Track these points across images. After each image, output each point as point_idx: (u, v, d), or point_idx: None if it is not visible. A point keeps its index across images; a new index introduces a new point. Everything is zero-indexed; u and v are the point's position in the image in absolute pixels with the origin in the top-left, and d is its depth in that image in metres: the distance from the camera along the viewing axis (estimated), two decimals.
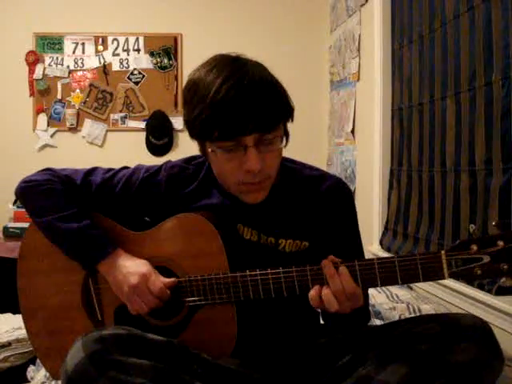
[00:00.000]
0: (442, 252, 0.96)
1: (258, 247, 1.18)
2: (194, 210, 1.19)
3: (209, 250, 1.13)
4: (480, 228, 1.77)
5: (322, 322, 1.28)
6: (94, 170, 1.29)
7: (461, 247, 0.96)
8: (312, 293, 1.03)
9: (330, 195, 1.20)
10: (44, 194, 1.23)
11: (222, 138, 1.04)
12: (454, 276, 0.97)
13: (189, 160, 1.27)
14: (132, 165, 1.31)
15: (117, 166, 1.31)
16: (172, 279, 1.15)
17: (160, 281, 1.14)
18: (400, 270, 0.98)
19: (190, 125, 1.09)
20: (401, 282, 0.99)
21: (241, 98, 1.01)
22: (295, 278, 1.05)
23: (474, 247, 0.95)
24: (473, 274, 0.95)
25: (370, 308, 1.79)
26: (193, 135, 1.12)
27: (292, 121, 1.13)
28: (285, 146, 1.12)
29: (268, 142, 1.07)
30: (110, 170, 1.29)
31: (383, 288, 2.06)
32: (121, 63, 3.69)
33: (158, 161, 1.29)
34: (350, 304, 1.02)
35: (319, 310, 1.20)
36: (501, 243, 0.93)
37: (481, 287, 1.64)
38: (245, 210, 1.19)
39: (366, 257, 1.12)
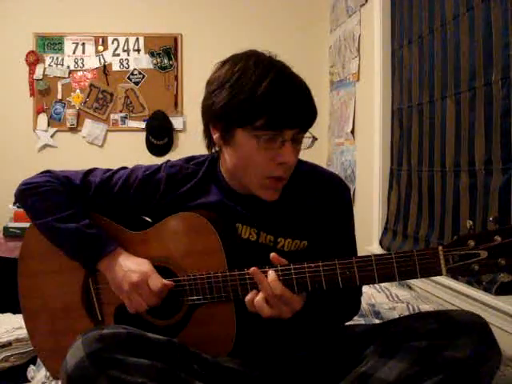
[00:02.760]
0: (440, 248, 0.96)
1: (255, 247, 1.18)
2: (191, 208, 1.18)
3: (207, 249, 1.13)
4: (479, 228, 1.77)
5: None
6: (92, 170, 1.29)
7: (458, 243, 0.96)
8: (248, 297, 1.06)
9: (327, 191, 1.22)
10: (43, 195, 1.24)
11: (268, 128, 1.06)
12: (452, 272, 0.96)
13: (188, 160, 1.27)
14: (132, 165, 1.31)
15: (117, 166, 1.31)
16: (170, 282, 1.14)
17: (160, 279, 1.14)
18: (398, 267, 0.98)
19: (229, 108, 1.08)
20: (399, 278, 0.99)
21: (292, 94, 1.08)
22: (293, 276, 1.05)
23: (472, 243, 0.95)
24: (470, 269, 0.95)
25: (370, 308, 1.80)
26: (226, 119, 1.09)
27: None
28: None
29: (299, 140, 1.12)
30: (108, 170, 1.29)
31: (383, 288, 2.06)
32: (121, 63, 3.69)
33: (157, 161, 1.29)
34: (287, 308, 1.03)
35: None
36: (498, 238, 0.93)
37: (478, 283, 1.64)
38: (244, 209, 1.19)
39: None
